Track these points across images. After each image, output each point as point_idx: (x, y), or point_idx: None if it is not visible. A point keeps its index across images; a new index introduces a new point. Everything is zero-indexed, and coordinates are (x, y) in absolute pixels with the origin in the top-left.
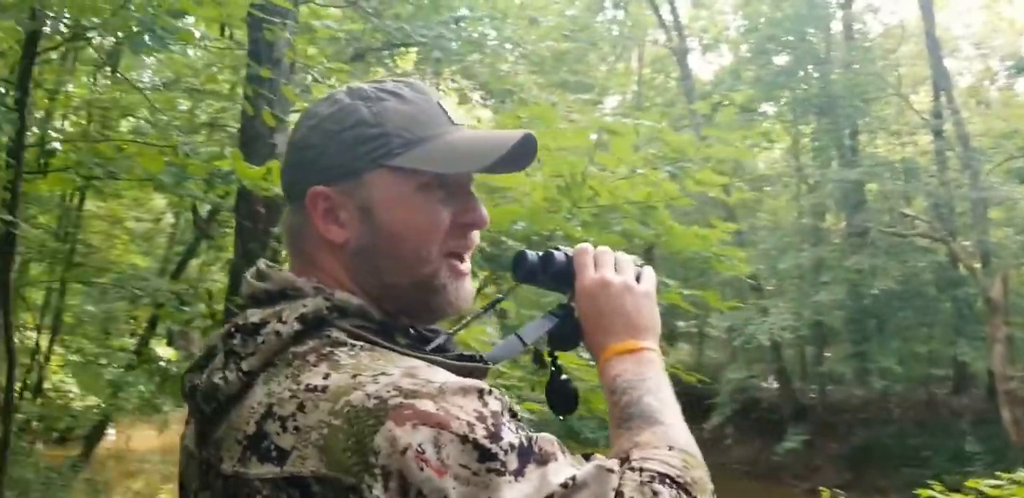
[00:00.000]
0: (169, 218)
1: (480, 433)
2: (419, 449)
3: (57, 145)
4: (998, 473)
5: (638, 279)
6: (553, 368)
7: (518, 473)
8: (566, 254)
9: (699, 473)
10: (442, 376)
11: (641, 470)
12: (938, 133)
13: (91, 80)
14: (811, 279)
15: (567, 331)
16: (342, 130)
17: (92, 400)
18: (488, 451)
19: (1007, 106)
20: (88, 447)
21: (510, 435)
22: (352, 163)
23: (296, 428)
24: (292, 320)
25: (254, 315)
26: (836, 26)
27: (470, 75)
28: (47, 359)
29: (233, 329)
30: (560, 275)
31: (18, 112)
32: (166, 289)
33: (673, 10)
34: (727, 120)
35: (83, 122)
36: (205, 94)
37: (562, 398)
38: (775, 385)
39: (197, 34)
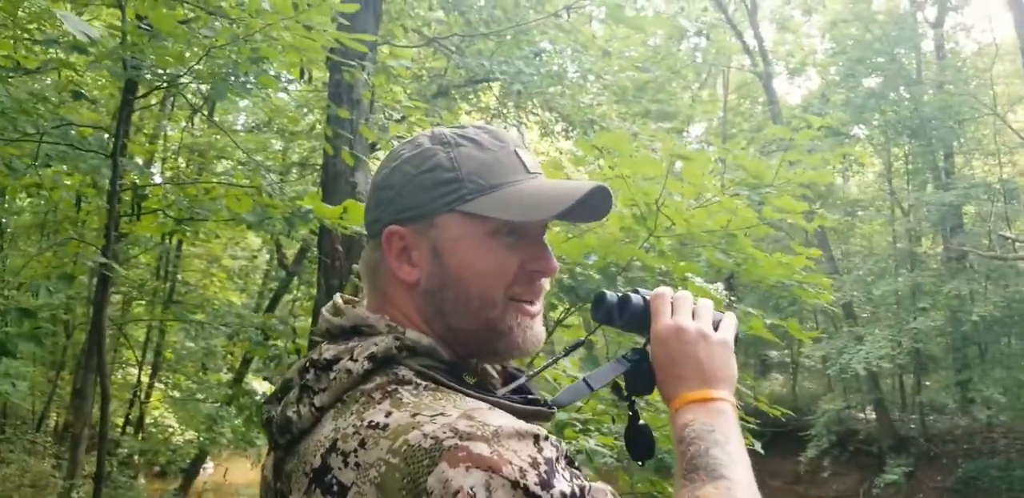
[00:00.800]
0: (264, 256)
1: (532, 480)
2: (470, 492)
3: (150, 189)
4: None
5: (716, 327)
6: (631, 413)
7: None
8: (644, 297)
9: None
10: (501, 419)
11: None
12: None
13: (189, 125)
14: (908, 305)
15: (641, 376)
16: (419, 173)
17: (190, 434)
18: (536, 496)
19: None
20: (187, 480)
21: (563, 484)
22: (426, 205)
23: (357, 464)
24: (362, 359)
25: (328, 351)
26: (927, 46)
27: (551, 107)
28: (148, 395)
29: (308, 364)
30: (636, 319)
31: (113, 158)
32: (253, 325)
33: (757, 35)
34: (803, 141)
35: (180, 165)
36: (296, 135)
37: (640, 444)
38: (872, 415)
39: (285, 78)
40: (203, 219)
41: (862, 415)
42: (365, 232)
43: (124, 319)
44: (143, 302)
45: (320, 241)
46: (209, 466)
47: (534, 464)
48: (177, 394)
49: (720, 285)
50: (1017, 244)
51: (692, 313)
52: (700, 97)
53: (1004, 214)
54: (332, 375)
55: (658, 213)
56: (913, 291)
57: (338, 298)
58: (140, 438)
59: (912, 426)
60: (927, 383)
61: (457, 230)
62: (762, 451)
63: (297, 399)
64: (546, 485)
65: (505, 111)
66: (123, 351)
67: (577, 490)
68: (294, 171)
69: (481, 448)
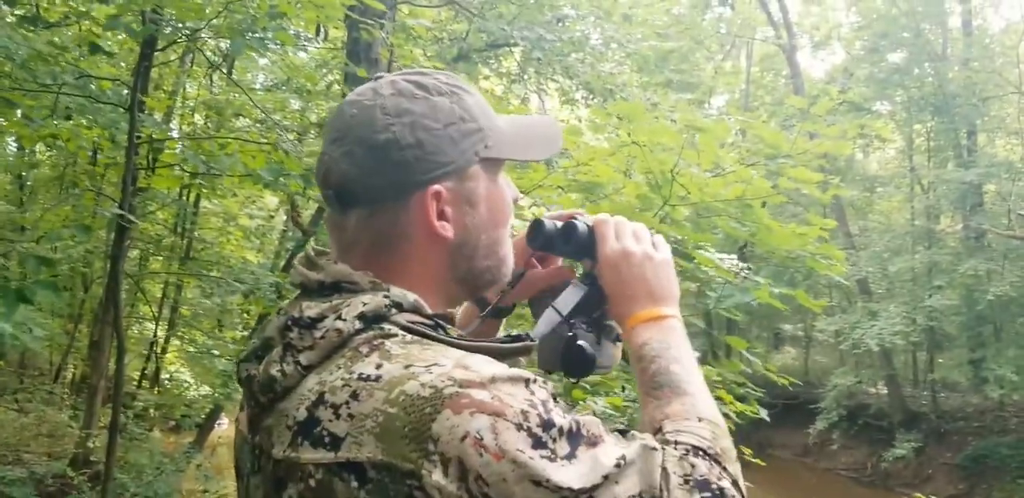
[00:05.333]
0: (281, 216)
1: (533, 421)
2: (478, 436)
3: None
4: None
5: (655, 249)
6: (570, 333)
7: (571, 456)
8: (587, 224)
9: (726, 443)
10: (493, 366)
11: (676, 443)
12: None
13: (208, 82)
14: (924, 283)
15: (592, 300)
16: (445, 127)
17: (206, 390)
18: (540, 438)
19: None
20: (201, 434)
21: (560, 420)
22: (460, 159)
23: (350, 415)
24: (352, 318)
25: (311, 308)
26: (954, 21)
27: (572, 75)
28: (164, 350)
29: (290, 322)
30: (582, 245)
31: (131, 111)
32: (267, 282)
33: (782, 7)
34: (821, 111)
35: (197, 122)
36: (315, 95)
37: (579, 361)
38: (884, 391)
39: (304, 36)
40: (217, 174)
41: (873, 390)
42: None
43: (141, 274)
44: (160, 258)
45: None
46: (224, 421)
47: (532, 405)
48: (193, 349)
49: (734, 256)
50: None
51: (634, 236)
52: (723, 68)
53: None
54: (318, 333)
55: (673, 182)
56: (929, 269)
57: (311, 250)
58: (156, 392)
59: (923, 402)
60: (940, 360)
61: (483, 177)
62: (768, 419)
63: (280, 357)
64: (547, 424)
65: (526, 77)
66: (140, 306)
67: (574, 425)
68: (312, 132)
69: (481, 394)
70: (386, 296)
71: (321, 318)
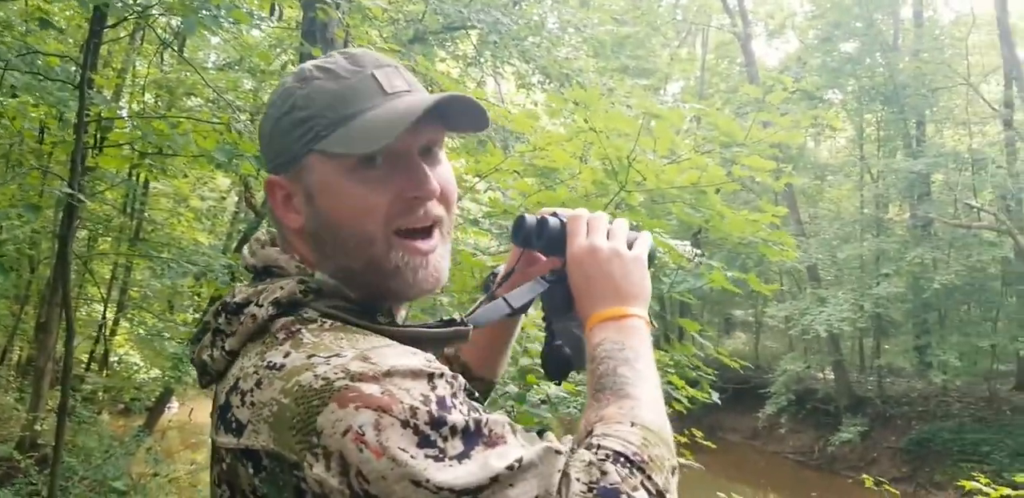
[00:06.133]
0: (233, 197)
1: (422, 418)
2: (359, 431)
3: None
4: None
5: (630, 246)
6: (547, 334)
7: (462, 456)
8: (561, 220)
9: (658, 451)
10: (397, 359)
11: (598, 447)
12: (1007, 123)
13: (158, 60)
14: (872, 270)
15: (559, 298)
16: (281, 116)
17: (156, 373)
18: (427, 436)
19: None
20: (151, 418)
21: (456, 417)
22: (291, 149)
23: (252, 403)
24: (267, 304)
25: (240, 294)
26: (906, 12)
27: (529, 59)
28: (113, 332)
29: (220, 308)
30: (554, 241)
31: (80, 88)
32: (219, 263)
33: None
34: (776, 101)
35: (147, 101)
36: (268, 75)
37: (556, 363)
38: (831, 376)
39: (257, 15)
40: (170, 154)
41: (821, 375)
42: None
43: (90, 254)
44: (109, 239)
45: None
46: (174, 405)
47: (425, 402)
48: (143, 332)
49: (687, 242)
50: (982, 213)
51: (607, 233)
52: (679, 55)
53: (971, 183)
54: (241, 318)
55: (629, 168)
56: (877, 256)
57: (260, 234)
58: (105, 375)
59: (869, 388)
60: (886, 346)
61: (321, 170)
62: (719, 402)
63: (211, 342)
64: (437, 423)
65: (482, 60)
66: (88, 287)
67: (472, 424)
68: (263, 112)
69: (371, 388)
70: (302, 281)
71: (247, 304)
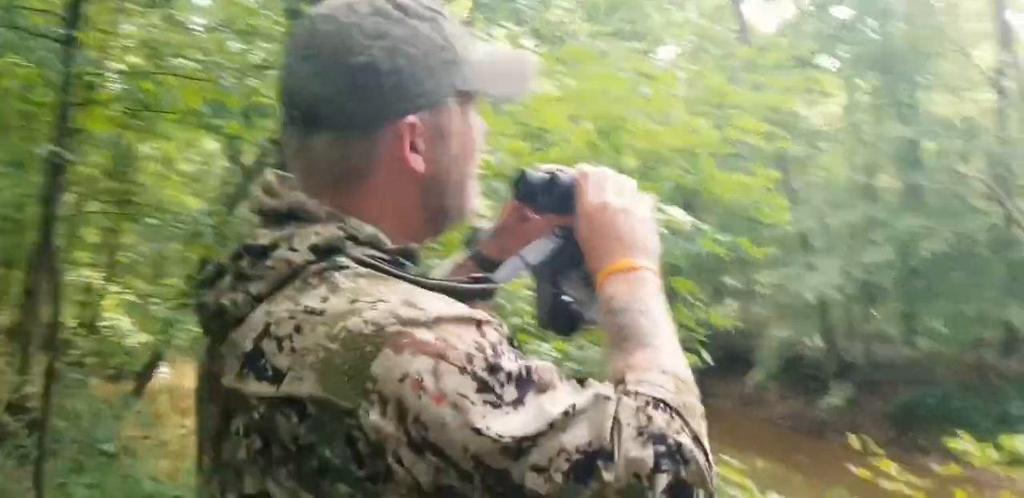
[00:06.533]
0: (220, 161)
1: (478, 364)
2: (417, 377)
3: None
4: None
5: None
6: (549, 290)
7: (517, 402)
8: (570, 176)
9: (690, 398)
10: (441, 305)
11: (636, 394)
12: (1000, 91)
13: (144, 20)
14: (862, 237)
15: (568, 254)
16: (426, 54)
17: (145, 337)
18: (485, 382)
19: None
20: (141, 383)
21: (509, 364)
22: (438, 89)
23: (292, 349)
24: (304, 249)
25: (264, 237)
26: None
27: (522, 20)
28: (102, 297)
29: (242, 250)
30: (564, 198)
31: (66, 46)
32: (208, 224)
33: None
34: (771, 62)
35: (134, 61)
36: (257, 36)
37: (562, 318)
38: (820, 342)
39: None
40: (157, 110)
41: (809, 342)
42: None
43: (76, 216)
44: (97, 202)
45: (279, 141)
46: (164, 369)
47: (479, 348)
48: (132, 297)
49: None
50: (972, 181)
51: (616, 190)
52: (673, 20)
53: (962, 151)
54: (269, 262)
55: (623, 130)
56: (867, 223)
57: (271, 175)
58: (94, 339)
59: (857, 354)
60: (874, 314)
61: (456, 109)
62: (712, 363)
63: (232, 286)
64: (493, 369)
65: (474, 22)
66: (76, 252)
67: (523, 370)
68: (251, 75)
69: (425, 334)
70: (341, 227)
71: (273, 247)
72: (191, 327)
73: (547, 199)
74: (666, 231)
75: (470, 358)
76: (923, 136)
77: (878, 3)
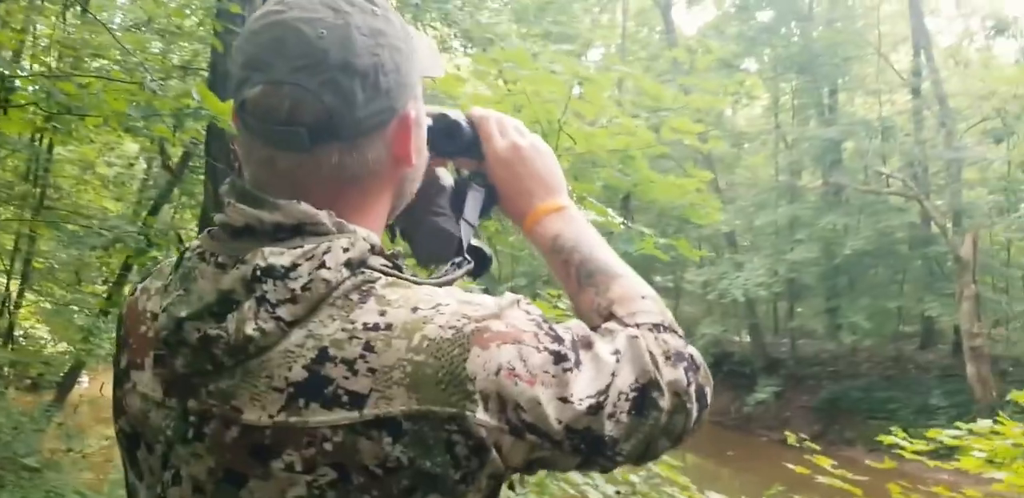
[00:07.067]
0: (142, 164)
1: (544, 339)
2: (509, 366)
3: (19, 82)
4: (958, 424)
5: None
6: (415, 227)
7: (579, 363)
8: (469, 121)
9: (668, 311)
10: (482, 296)
11: (638, 325)
12: (916, 92)
13: (61, 20)
14: (786, 236)
15: (486, 200)
16: (408, 48)
17: (65, 346)
18: (559, 353)
19: (985, 67)
20: (61, 393)
21: (562, 331)
22: (416, 79)
23: (370, 369)
24: (338, 266)
25: (278, 256)
26: None
27: (451, 22)
28: (17, 305)
29: (259, 273)
30: (468, 143)
31: None
32: (135, 230)
33: None
34: (703, 66)
35: (51, 62)
36: (178, 36)
37: (477, 260)
38: (747, 339)
39: None
40: (80, 114)
41: (737, 338)
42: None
43: None
44: (11, 207)
45: (208, 144)
46: (84, 379)
47: (537, 325)
48: (49, 305)
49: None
50: (891, 180)
51: (515, 130)
52: (600, 21)
53: (880, 151)
54: (297, 284)
55: (560, 132)
56: (791, 222)
57: (246, 185)
58: (10, 349)
59: (783, 349)
60: (799, 310)
61: (420, 99)
62: None
63: (255, 314)
64: (558, 339)
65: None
66: None
67: (568, 332)
68: (175, 76)
69: (497, 325)
70: (365, 239)
71: (294, 266)
72: (113, 335)
73: (449, 146)
74: (603, 232)
75: (536, 336)
76: (844, 136)
77: (798, 7)
